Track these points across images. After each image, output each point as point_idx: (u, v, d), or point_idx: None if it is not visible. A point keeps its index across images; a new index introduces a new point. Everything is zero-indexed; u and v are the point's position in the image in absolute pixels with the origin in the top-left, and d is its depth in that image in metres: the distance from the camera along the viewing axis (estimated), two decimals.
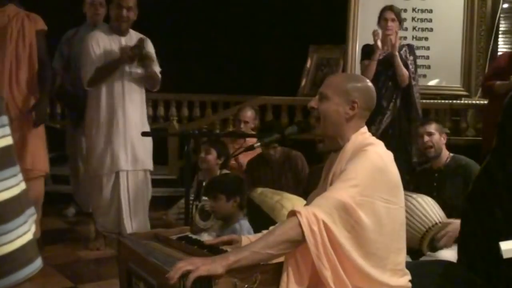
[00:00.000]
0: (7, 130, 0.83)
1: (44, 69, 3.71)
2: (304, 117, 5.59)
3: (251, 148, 2.27)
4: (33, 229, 0.87)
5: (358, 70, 5.43)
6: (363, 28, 5.64)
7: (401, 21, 4.27)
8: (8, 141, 0.83)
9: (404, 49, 4.25)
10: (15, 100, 3.57)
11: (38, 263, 0.85)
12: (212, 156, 3.75)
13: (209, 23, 6.76)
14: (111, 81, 3.73)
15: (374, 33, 4.20)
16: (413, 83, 4.20)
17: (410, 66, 4.20)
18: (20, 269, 0.81)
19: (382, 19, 4.22)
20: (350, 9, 5.72)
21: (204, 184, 3.25)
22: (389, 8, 4.24)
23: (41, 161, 3.65)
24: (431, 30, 5.63)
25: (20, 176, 0.85)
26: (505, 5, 5.77)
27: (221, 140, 3.98)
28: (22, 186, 0.85)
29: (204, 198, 3.22)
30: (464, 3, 5.54)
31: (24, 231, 0.83)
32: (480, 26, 5.56)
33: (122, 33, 3.81)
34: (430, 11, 5.65)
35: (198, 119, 6.38)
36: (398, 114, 4.16)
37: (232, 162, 4.31)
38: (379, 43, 4.15)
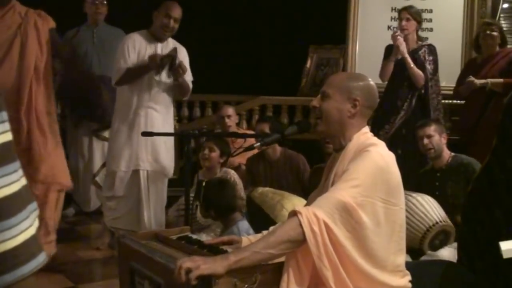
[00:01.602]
0: (7, 125, 0.84)
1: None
2: (304, 117, 5.59)
3: (251, 148, 2.27)
4: (35, 224, 0.87)
5: (358, 70, 5.44)
6: (363, 28, 5.65)
7: (420, 21, 4.29)
8: (8, 136, 0.84)
9: (424, 49, 4.26)
10: (36, 104, 3.33)
11: (41, 257, 0.85)
12: (216, 154, 3.76)
13: (209, 23, 6.75)
14: (140, 85, 3.73)
15: (394, 36, 4.16)
16: (429, 84, 4.19)
17: (428, 67, 4.20)
18: (24, 264, 0.82)
19: (399, 19, 4.26)
20: (350, 9, 5.72)
21: (204, 183, 3.25)
22: (404, 8, 4.28)
23: (62, 173, 3.48)
24: (431, 30, 5.63)
25: (20, 172, 0.85)
26: (505, 5, 5.77)
27: (224, 139, 3.98)
28: (23, 181, 0.85)
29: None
30: (464, 3, 5.54)
31: (26, 226, 0.83)
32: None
33: (160, 40, 3.83)
34: (430, 11, 5.65)
35: (198, 119, 6.38)
36: (413, 115, 4.15)
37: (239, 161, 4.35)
38: (400, 45, 4.11)
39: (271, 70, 6.58)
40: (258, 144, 2.22)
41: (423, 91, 4.19)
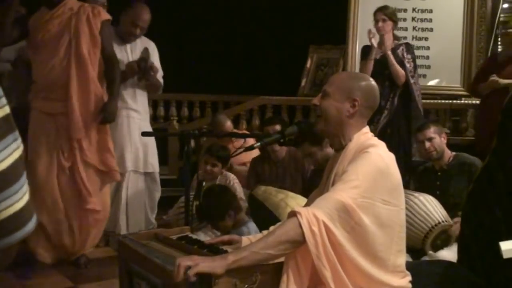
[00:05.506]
0: (4, 100, 0.92)
1: (112, 66, 3.41)
2: (304, 117, 5.59)
3: (251, 148, 2.26)
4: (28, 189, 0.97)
5: (358, 70, 5.44)
6: (363, 28, 5.63)
7: (395, 21, 4.30)
8: (6, 110, 0.92)
9: (401, 47, 4.27)
10: (83, 100, 3.27)
11: (35, 219, 0.95)
12: (218, 168, 3.81)
13: (209, 23, 6.76)
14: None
15: (369, 33, 4.23)
16: (412, 81, 4.18)
17: (408, 65, 4.21)
18: (28, 222, 0.92)
19: (374, 20, 4.28)
20: (350, 9, 5.72)
21: (204, 184, 3.25)
22: (379, 9, 4.29)
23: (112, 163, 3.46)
24: (431, 30, 5.63)
25: (19, 141, 0.94)
26: (505, 5, 5.77)
27: (223, 146, 3.98)
28: (21, 149, 0.94)
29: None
30: (464, 3, 5.54)
31: (26, 190, 0.93)
32: (480, 26, 5.56)
33: (129, 41, 3.88)
34: (430, 11, 5.65)
35: (198, 119, 6.38)
36: (396, 113, 4.16)
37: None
38: (374, 42, 4.18)
39: (271, 70, 6.59)
40: (259, 144, 2.22)
41: (405, 89, 4.20)
